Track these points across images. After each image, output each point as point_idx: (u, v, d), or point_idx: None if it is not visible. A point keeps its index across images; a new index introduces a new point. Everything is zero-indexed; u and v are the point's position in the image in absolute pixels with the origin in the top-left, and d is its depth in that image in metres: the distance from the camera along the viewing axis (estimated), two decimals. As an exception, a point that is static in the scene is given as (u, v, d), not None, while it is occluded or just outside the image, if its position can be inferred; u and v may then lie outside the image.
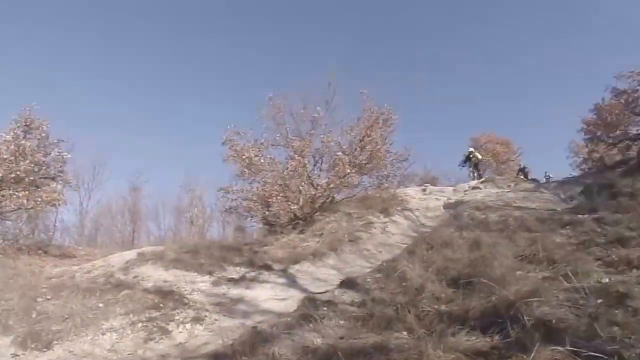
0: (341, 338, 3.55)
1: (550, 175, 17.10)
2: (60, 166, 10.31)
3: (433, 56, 55.29)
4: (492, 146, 24.77)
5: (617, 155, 11.36)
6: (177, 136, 49.00)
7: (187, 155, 46.40)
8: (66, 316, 4.47)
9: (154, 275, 5.98)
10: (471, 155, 15.13)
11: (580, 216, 6.56)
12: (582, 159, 15.54)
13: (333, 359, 2.99)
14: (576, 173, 13.93)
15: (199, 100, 50.68)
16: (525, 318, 2.94)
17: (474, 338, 2.96)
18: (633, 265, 4.02)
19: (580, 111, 13.98)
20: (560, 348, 2.48)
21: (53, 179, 10.07)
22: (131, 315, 4.68)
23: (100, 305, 4.87)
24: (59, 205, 10.36)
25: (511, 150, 25.66)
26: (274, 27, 56.38)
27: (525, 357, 2.49)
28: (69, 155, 10.41)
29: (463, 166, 15.60)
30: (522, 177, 15.67)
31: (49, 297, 5.06)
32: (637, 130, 10.21)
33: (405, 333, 3.35)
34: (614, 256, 4.35)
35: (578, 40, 48.87)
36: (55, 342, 4.13)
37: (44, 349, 4.04)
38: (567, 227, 6.17)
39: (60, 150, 10.10)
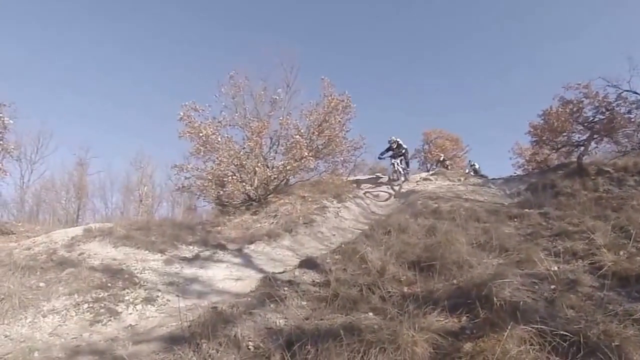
0: (306, 319, 3.50)
1: (475, 164, 17.97)
2: (1, 133, 9.33)
3: (398, 51, 55.90)
4: (441, 141, 25.99)
5: (558, 159, 12.25)
6: (131, 112, 45.84)
7: (140, 133, 43.87)
8: (2, 296, 4.08)
9: (102, 252, 5.61)
10: (392, 144, 12.56)
11: (526, 210, 7.05)
12: (525, 159, 16.46)
13: (300, 342, 2.90)
14: (519, 172, 14.78)
15: (157, 77, 47.79)
16: (495, 299, 3.10)
17: (443, 319, 3.08)
18: (578, 256, 4.41)
19: (530, 117, 14.76)
20: (529, 327, 2.62)
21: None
22: (76, 296, 4.35)
23: (41, 284, 4.50)
24: (-3, 176, 9.34)
25: (459, 147, 26.83)
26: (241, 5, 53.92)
27: (496, 336, 2.61)
28: (11, 122, 9.46)
29: (381, 157, 13.05)
30: (471, 173, 16.24)
31: (-18, 275, 4.56)
32: (579, 137, 11.01)
33: (371, 314, 3.39)
34: (560, 247, 4.72)
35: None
36: (-11, 324, 3.74)
37: (-23, 333, 3.63)
38: (515, 219, 6.63)
39: (1, 115, 9.10)
